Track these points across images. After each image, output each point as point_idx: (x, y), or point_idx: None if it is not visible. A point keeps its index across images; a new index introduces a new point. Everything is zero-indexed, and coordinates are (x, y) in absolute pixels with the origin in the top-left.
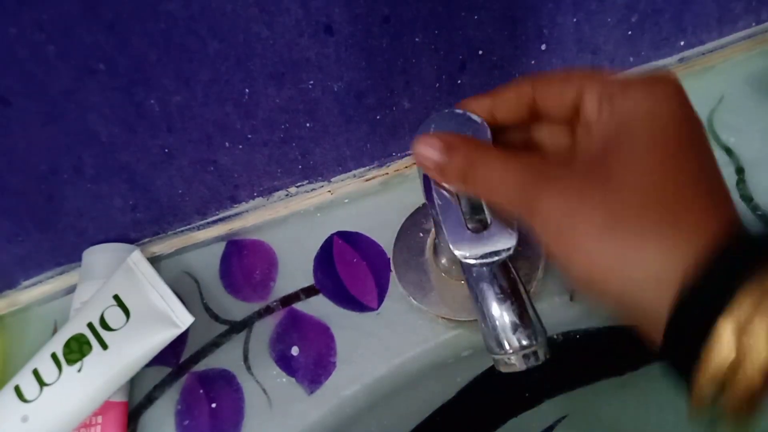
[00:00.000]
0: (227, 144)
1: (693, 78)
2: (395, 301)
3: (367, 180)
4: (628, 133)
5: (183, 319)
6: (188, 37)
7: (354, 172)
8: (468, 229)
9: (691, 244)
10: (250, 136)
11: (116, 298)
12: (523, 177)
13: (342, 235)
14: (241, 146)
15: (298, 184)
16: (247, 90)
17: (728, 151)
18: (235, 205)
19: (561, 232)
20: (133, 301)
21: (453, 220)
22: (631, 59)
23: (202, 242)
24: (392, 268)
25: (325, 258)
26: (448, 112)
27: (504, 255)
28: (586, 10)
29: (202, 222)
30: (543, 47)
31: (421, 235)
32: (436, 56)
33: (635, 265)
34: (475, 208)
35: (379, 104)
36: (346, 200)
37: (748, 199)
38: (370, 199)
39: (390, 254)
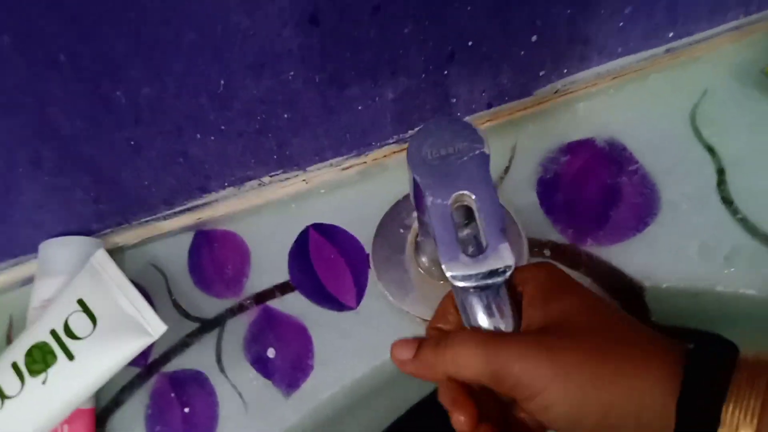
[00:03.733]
0: (198, 136)
1: (678, 69)
2: (374, 299)
3: (344, 169)
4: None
5: (155, 326)
6: (161, 28)
7: (331, 161)
8: (463, 251)
9: (665, 372)
10: (223, 127)
11: (81, 302)
12: (486, 347)
13: (318, 227)
14: (213, 137)
15: (273, 173)
16: (222, 81)
17: (710, 150)
18: (205, 195)
19: (538, 394)
20: (100, 307)
21: (447, 239)
22: (620, 50)
23: (168, 233)
24: (371, 265)
25: (301, 252)
26: (446, 119)
27: (501, 279)
28: (581, 2)
29: (169, 212)
30: (534, 38)
31: (402, 231)
32: (424, 47)
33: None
34: (470, 225)
35: (362, 95)
36: (322, 190)
37: (728, 201)
38: (348, 190)
39: (369, 250)
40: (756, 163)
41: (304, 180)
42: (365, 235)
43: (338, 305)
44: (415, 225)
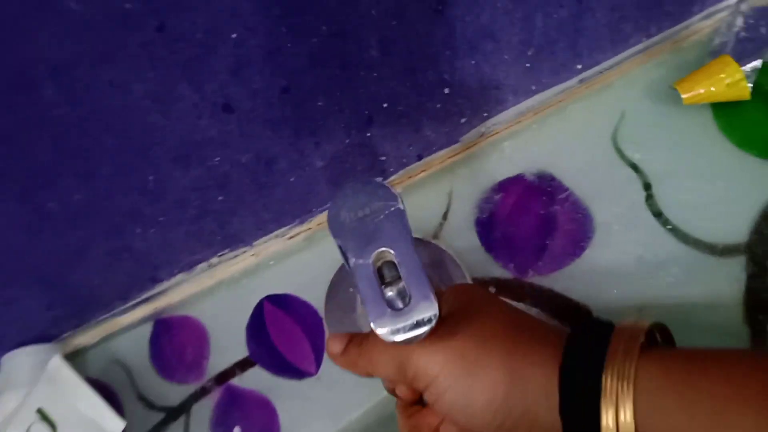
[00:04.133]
0: (139, 230)
1: (594, 97)
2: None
3: (290, 238)
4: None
5: (114, 425)
6: (83, 138)
7: (276, 232)
8: (389, 305)
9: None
10: (161, 218)
11: (40, 412)
12: (394, 350)
13: (272, 299)
14: (153, 230)
15: (220, 253)
16: (151, 177)
17: (634, 168)
18: (158, 285)
19: (432, 381)
20: (59, 413)
21: (372, 297)
22: (534, 87)
23: (128, 326)
24: (326, 329)
25: (257, 326)
26: (360, 182)
27: (428, 327)
28: (482, 52)
29: (126, 306)
30: (447, 91)
31: (351, 290)
32: (341, 115)
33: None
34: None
35: (291, 167)
36: (272, 262)
37: (657, 214)
38: (297, 257)
39: (322, 314)
40: (678, 173)
41: (252, 255)
42: (318, 300)
43: (298, 373)
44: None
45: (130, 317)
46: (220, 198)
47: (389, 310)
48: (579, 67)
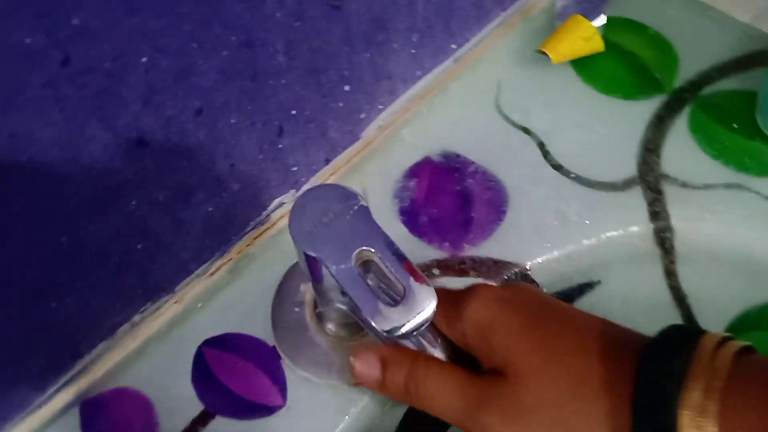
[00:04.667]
0: (54, 303)
1: (470, 73)
2: (300, 387)
3: (212, 274)
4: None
5: None
6: None
7: (197, 271)
8: (384, 302)
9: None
10: (78, 284)
11: None
12: (464, 397)
13: (210, 343)
14: (70, 298)
15: (142, 309)
16: (64, 239)
17: (525, 131)
18: (78, 361)
19: None
20: None
21: (365, 296)
22: (419, 73)
23: (50, 420)
24: (281, 355)
25: (204, 375)
26: (323, 187)
27: (431, 313)
28: (376, 44)
29: (43, 397)
30: (347, 88)
31: (297, 309)
32: (254, 130)
33: None
34: (381, 279)
35: (209, 196)
36: (199, 304)
37: (558, 167)
38: (223, 293)
39: (272, 342)
40: (563, 127)
41: (175, 302)
42: (262, 329)
43: (266, 410)
44: (308, 298)
45: (49, 409)
46: (139, 246)
47: (388, 306)
48: (454, 47)
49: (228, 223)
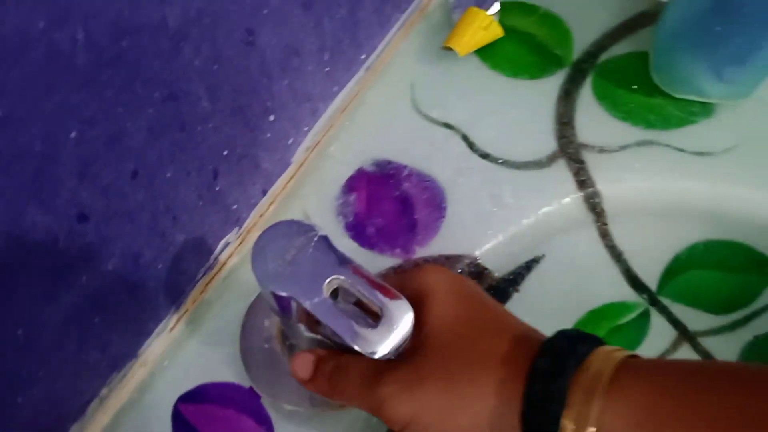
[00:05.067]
0: (20, 399)
1: (382, 79)
2: (286, 422)
3: (171, 330)
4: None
5: None
6: None
7: (156, 330)
8: (362, 325)
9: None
10: (41, 373)
11: None
12: (368, 378)
13: (185, 399)
14: (35, 389)
15: (108, 381)
16: (20, 331)
17: (447, 126)
18: None
19: (401, 410)
20: None
21: (343, 325)
22: (335, 89)
23: None
24: (260, 394)
25: None
26: (277, 225)
27: (409, 327)
28: (292, 70)
29: None
30: (272, 118)
31: (266, 345)
32: (190, 179)
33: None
34: (356, 304)
35: (156, 255)
36: (165, 362)
37: (484, 155)
38: (187, 346)
39: (248, 383)
40: (481, 117)
41: (140, 365)
42: (235, 373)
43: None
44: (275, 332)
45: None
46: (96, 320)
47: (368, 329)
48: (363, 57)
49: (179, 275)
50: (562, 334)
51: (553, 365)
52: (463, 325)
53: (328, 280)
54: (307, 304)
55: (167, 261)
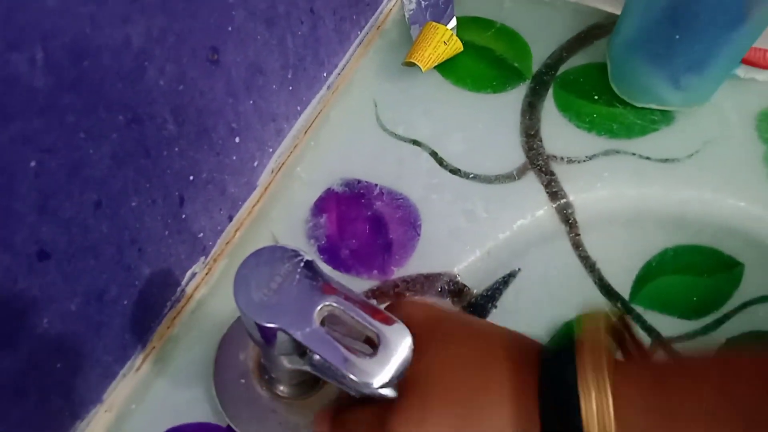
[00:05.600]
0: None
1: (345, 97)
2: None
3: (138, 370)
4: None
5: None
6: None
7: (122, 372)
8: (358, 355)
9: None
10: (1, 425)
11: None
12: (375, 422)
13: None
14: None
15: (70, 431)
16: None
17: (415, 143)
18: None
19: None
20: None
21: (339, 356)
22: (299, 108)
23: None
24: None
25: None
26: (264, 249)
27: (408, 352)
28: (256, 89)
29: None
30: (237, 140)
31: (243, 380)
32: (156, 207)
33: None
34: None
35: (121, 290)
36: (133, 405)
37: (455, 171)
38: (155, 387)
39: (225, 422)
40: (448, 132)
41: (106, 411)
42: (209, 412)
43: None
44: (252, 366)
45: None
46: (59, 365)
47: (365, 359)
48: (325, 74)
49: (145, 311)
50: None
51: (557, 360)
52: (453, 354)
53: (318, 308)
54: (298, 335)
55: (133, 296)
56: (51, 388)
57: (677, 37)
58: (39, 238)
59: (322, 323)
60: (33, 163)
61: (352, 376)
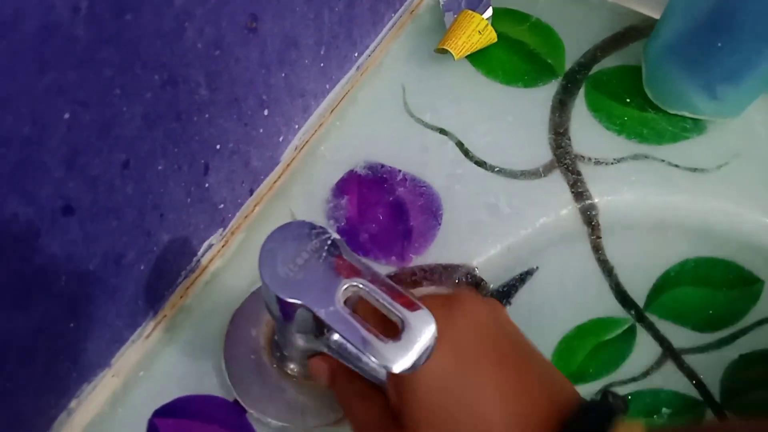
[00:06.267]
0: None
1: (373, 80)
2: None
3: (147, 337)
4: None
5: None
6: None
7: (132, 338)
8: (380, 338)
9: None
10: (8, 385)
11: None
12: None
13: (161, 413)
14: (2, 403)
15: (77, 393)
16: None
17: (442, 131)
18: None
19: None
20: None
21: (362, 337)
22: (327, 86)
23: None
24: (247, 408)
25: None
26: (287, 226)
27: (432, 339)
28: (289, 62)
29: None
30: (266, 113)
31: (253, 356)
32: (181, 173)
33: None
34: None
35: (139, 255)
36: (141, 373)
37: (480, 163)
38: (164, 355)
39: (232, 396)
40: (476, 123)
41: (113, 376)
42: (216, 385)
43: None
44: (263, 342)
45: None
46: (71, 325)
47: (387, 342)
48: (356, 55)
49: (160, 278)
50: (584, 410)
51: None
52: (489, 394)
53: (343, 288)
54: (321, 313)
55: (150, 262)
56: (61, 348)
57: (718, 44)
58: (65, 194)
59: (346, 304)
60: (66, 116)
61: (372, 358)
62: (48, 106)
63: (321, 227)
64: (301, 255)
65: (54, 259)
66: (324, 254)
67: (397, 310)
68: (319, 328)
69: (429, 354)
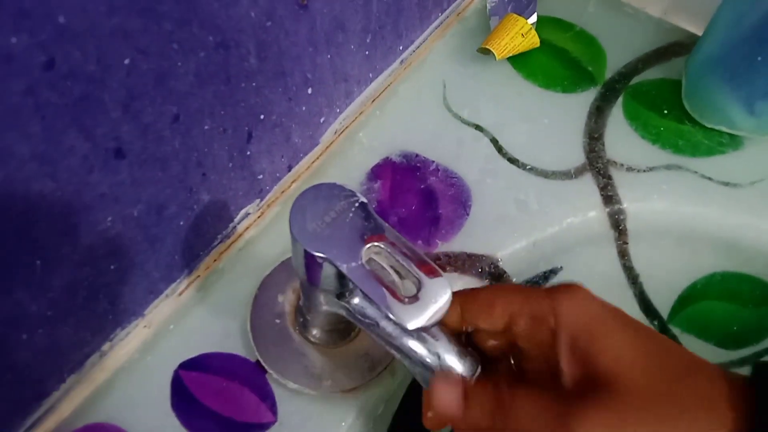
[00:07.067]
0: (24, 336)
1: (415, 74)
2: (290, 401)
3: (180, 294)
4: (594, 347)
5: None
6: None
7: (166, 291)
8: (398, 298)
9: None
10: (50, 312)
11: None
12: (559, 417)
13: (187, 366)
14: (41, 330)
15: (110, 337)
16: (38, 262)
17: (477, 127)
18: (44, 401)
19: None
20: None
21: (380, 293)
22: (371, 75)
23: None
24: (267, 369)
25: (185, 401)
26: (319, 186)
27: (447, 301)
28: (335, 44)
29: None
30: (310, 91)
31: (278, 321)
32: (225, 136)
33: None
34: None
35: (180, 210)
36: (171, 326)
37: (513, 161)
38: (195, 312)
39: (254, 357)
40: (512, 122)
41: (145, 326)
42: (241, 346)
43: (258, 427)
44: (288, 308)
45: None
46: (112, 267)
47: (404, 301)
48: (401, 48)
49: (197, 237)
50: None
51: None
52: (654, 365)
53: (367, 246)
54: (343, 268)
55: (189, 219)
56: (101, 286)
57: (759, 58)
58: (118, 136)
59: (369, 263)
60: (127, 61)
61: (390, 315)
62: (112, 48)
63: (350, 190)
64: (329, 213)
65: (103, 198)
66: (351, 215)
67: (416, 273)
68: (342, 288)
69: (441, 317)
